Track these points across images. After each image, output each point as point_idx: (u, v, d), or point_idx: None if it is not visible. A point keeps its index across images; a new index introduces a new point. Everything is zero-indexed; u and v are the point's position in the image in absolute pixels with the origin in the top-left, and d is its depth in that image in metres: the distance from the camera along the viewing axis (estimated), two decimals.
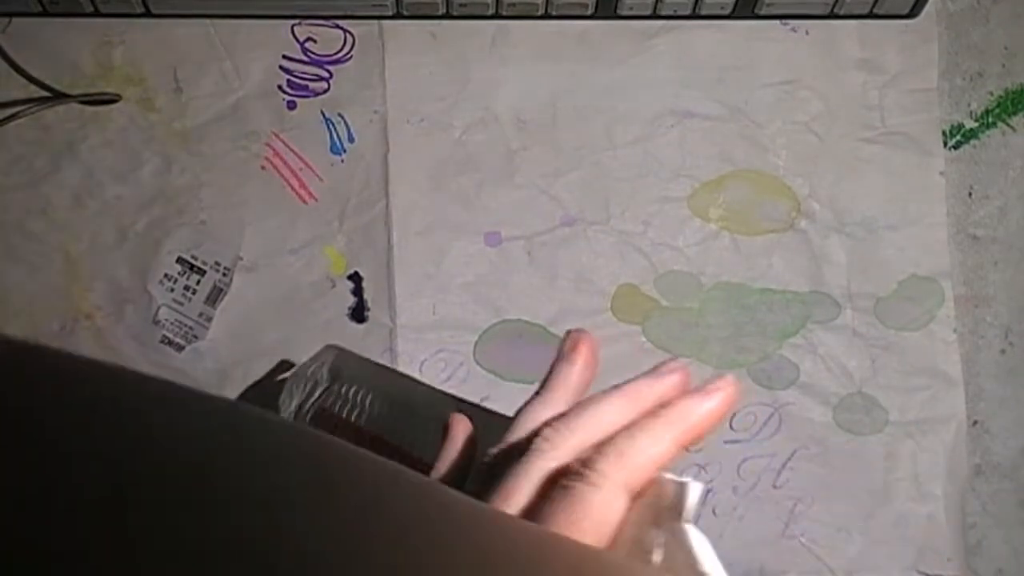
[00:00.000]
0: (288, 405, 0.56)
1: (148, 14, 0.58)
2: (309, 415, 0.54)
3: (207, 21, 0.58)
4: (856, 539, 0.58)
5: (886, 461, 0.59)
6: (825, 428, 0.59)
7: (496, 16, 0.59)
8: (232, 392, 0.59)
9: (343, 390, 0.55)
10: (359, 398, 0.54)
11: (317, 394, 0.55)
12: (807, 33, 0.60)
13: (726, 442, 0.58)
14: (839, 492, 0.58)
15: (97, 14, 0.57)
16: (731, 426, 0.59)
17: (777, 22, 0.60)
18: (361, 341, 0.59)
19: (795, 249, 0.60)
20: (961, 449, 0.59)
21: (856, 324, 0.59)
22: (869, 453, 0.59)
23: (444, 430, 0.38)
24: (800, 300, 0.60)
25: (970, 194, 0.61)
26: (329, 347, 0.55)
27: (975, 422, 0.60)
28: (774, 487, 0.58)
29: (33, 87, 0.57)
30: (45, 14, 0.57)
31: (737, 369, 0.59)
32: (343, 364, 0.54)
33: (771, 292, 0.60)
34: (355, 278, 0.59)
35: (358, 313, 0.59)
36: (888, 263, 0.60)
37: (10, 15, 0.57)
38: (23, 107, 0.57)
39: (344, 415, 0.54)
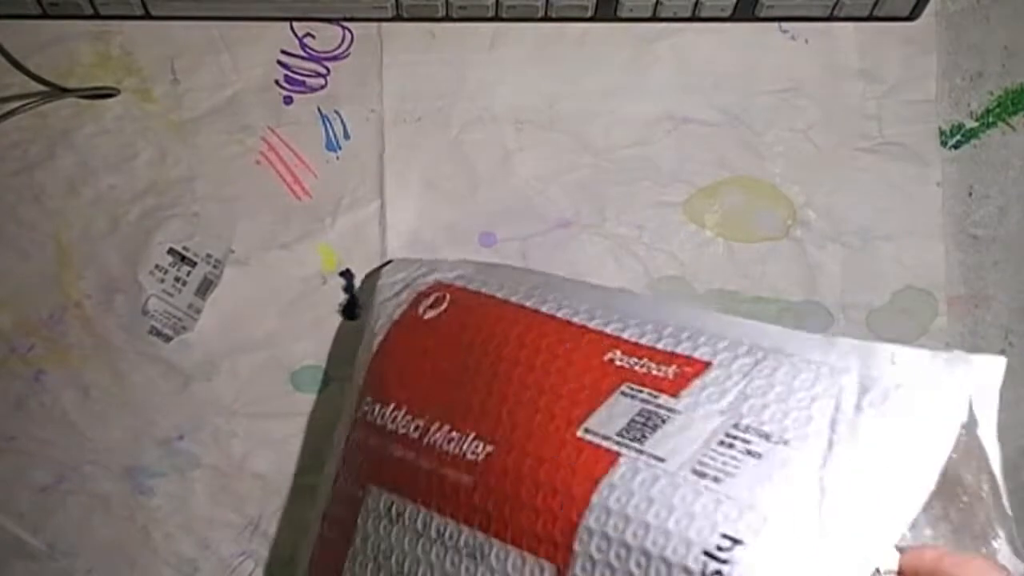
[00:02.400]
0: (392, 276, 0.57)
1: (148, 16, 0.58)
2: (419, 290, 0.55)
3: None
4: None
5: None
6: None
7: (496, 19, 0.59)
8: (219, 384, 0.59)
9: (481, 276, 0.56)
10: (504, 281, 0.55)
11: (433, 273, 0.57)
12: (807, 42, 0.60)
13: None
14: None
15: (97, 16, 0.58)
16: None
17: (777, 30, 0.60)
18: (352, 338, 0.59)
19: (789, 258, 0.60)
20: None
21: (848, 334, 0.59)
22: None
23: None
24: (793, 309, 0.60)
25: (970, 194, 0.60)
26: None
27: None
28: None
29: (32, 82, 0.57)
30: (44, 16, 0.57)
31: None
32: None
33: (764, 300, 0.60)
34: (347, 275, 0.59)
35: (349, 310, 0.59)
36: (883, 274, 0.60)
37: (9, 17, 0.57)
38: (22, 102, 0.57)
39: (484, 291, 0.54)
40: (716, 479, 0.42)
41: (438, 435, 0.48)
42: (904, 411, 0.43)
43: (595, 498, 0.43)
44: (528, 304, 0.53)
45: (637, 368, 0.48)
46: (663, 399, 0.46)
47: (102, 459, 0.59)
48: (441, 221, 0.60)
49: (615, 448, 0.44)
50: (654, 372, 0.47)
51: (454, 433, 0.48)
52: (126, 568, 0.60)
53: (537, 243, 0.60)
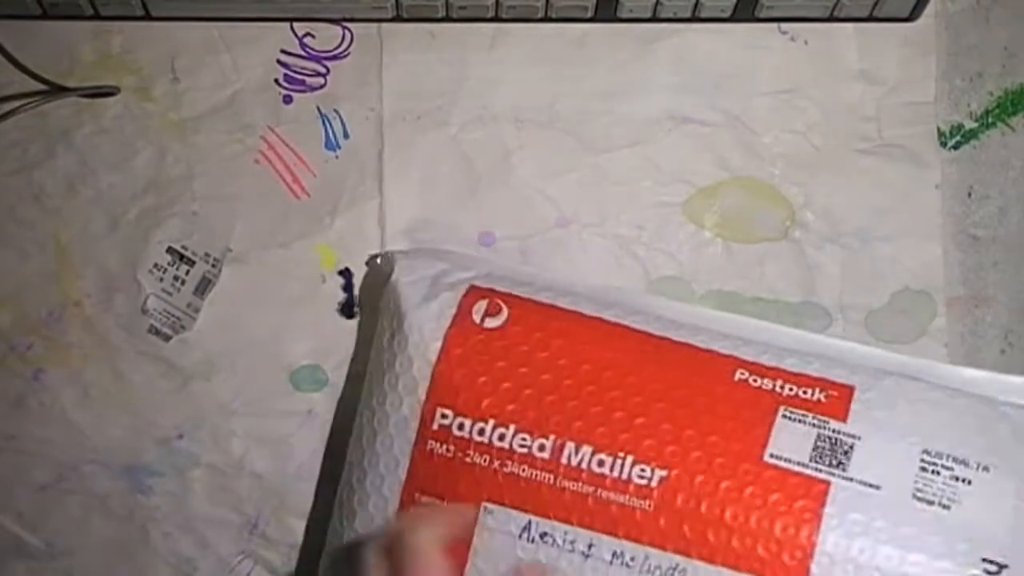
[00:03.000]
0: (410, 274, 0.56)
1: (148, 17, 0.58)
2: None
3: None
4: None
5: None
6: None
7: (496, 19, 0.59)
8: (218, 383, 0.59)
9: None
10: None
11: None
12: (806, 43, 0.60)
13: None
14: None
15: (97, 17, 0.58)
16: None
17: (776, 31, 0.60)
18: (351, 337, 0.59)
19: (788, 258, 0.60)
20: None
21: (847, 335, 0.59)
22: None
23: None
24: (791, 310, 0.59)
25: (970, 194, 0.60)
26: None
27: None
28: None
29: (32, 81, 0.57)
30: (45, 16, 0.57)
31: None
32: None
33: (762, 301, 0.60)
34: (345, 274, 0.59)
35: (348, 309, 0.59)
36: (882, 275, 0.60)
37: (9, 17, 0.57)
38: (23, 102, 0.57)
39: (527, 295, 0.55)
40: (944, 506, 0.46)
41: (579, 457, 0.49)
42: None
43: (825, 524, 0.46)
44: (608, 317, 0.53)
45: (779, 390, 0.50)
46: (834, 424, 0.49)
47: (101, 458, 0.59)
48: (440, 220, 0.60)
49: (818, 475, 0.47)
50: (802, 395, 0.50)
51: (603, 456, 0.49)
52: (125, 567, 0.60)
53: (536, 243, 0.60)
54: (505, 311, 0.53)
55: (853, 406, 0.49)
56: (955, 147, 0.61)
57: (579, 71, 0.60)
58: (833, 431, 0.48)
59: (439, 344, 0.52)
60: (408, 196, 0.59)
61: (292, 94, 0.59)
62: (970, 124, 0.61)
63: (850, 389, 0.50)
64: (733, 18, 0.59)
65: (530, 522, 0.49)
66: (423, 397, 0.52)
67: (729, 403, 0.50)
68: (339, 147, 0.59)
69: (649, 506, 0.48)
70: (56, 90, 0.57)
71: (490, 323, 0.53)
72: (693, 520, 0.47)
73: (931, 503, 0.46)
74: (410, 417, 0.52)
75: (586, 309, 0.54)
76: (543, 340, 0.52)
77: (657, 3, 0.58)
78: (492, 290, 0.54)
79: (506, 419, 0.50)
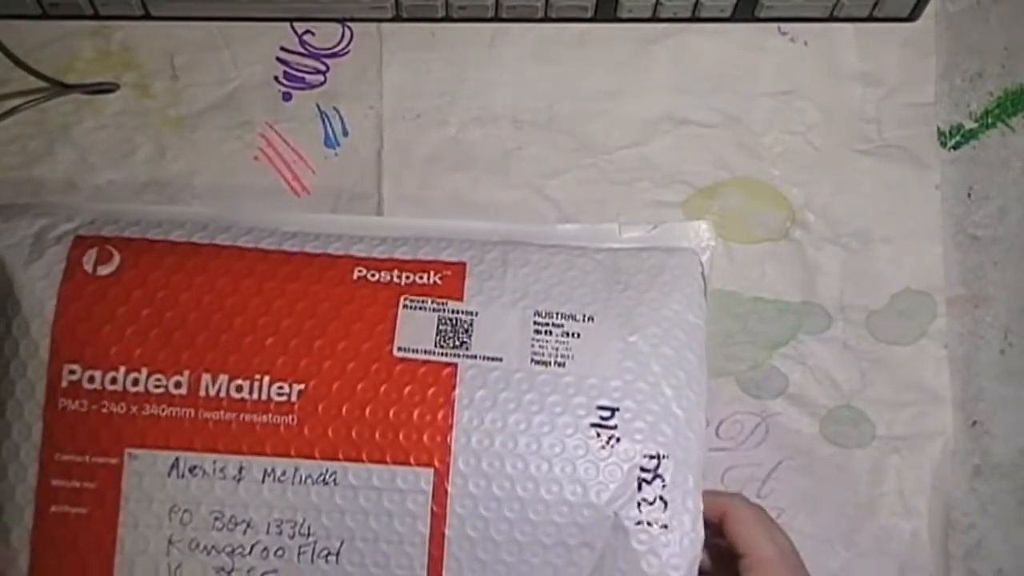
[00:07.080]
0: (9, 238, 0.53)
1: (148, 17, 0.58)
2: None
3: None
4: (839, 552, 0.58)
5: (872, 475, 0.58)
6: (812, 440, 0.58)
7: (496, 19, 0.59)
8: None
9: None
10: None
11: None
12: (806, 44, 0.60)
13: (712, 450, 0.58)
14: (824, 504, 0.58)
15: (97, 17, 0.58)
16: (717, 434, 0.58)
17: (776, 32, 0.60)
18: None
19: (788, 259, 0.60)
20: (946, 467, 0.58)
21: (847, 336, 0.59)
22: (855, 467, 0.58)
23: None
24: (792, 310, 0.59)
25: (970, 194, 0.60)
26: None
27: (975, 422, 0.59)
28: (758, 497, 0.58)
29: (32, 79, 0.57)
30: (44, 16, 0.58)
31: (726, 377, 0.59)
32: None
33: (763, 301, 0.59)
34: None
35: None
36: (882, 276, 0.59)
37: (9, 17, 0.58)
38: (24, 100, 0.57)
39: None
40: (559, 364, 0.50)
41: (217, 387, 0.49)
42: (659, 268, 0.53)
43: (457, 404, 0.49)
44: (222, 242, 0.53)
45: (397, 280, 0.51)
46: (453, 304, 0.51)
47: None
48: (440, 218, 0.60)
49: (444, 358, 0.49)
50: (419, 281, 0.51)
51: (240, 381, 0.49)
52: None
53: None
54: (117, 256, 0.52)
55: (467, 283, 0.52)
56: (955, 147, 0.61)
57: (579, 71, 0.60)
58: (452, 311, 0.50)
59: (54, 302, 0.51)
60: (407, 194, 0.59)
61: (292, 91, 0.59)
62: (970, 124, 0.61)
63: (462, 266, 0.52)
64: (733, 18, 0.59)
65: (177, 459, 0.49)
66: (46, 358, 0.51)
67: (352, 304, 0.51)
68: (339, 145, 0.59)
69: (292, 420, 0.49)
70: (56, 87, 0.57)
71: (103, 270, 0.52)
72: (336, 425, 0.49)
73: (548, 364, 0.50)
74: (36, 380, 0.51)
75: (199, 238, 0.53)
76: (160, 278, 0.51)
77: (657, 3, 0.58)
78: (101, 237, 0.53)
79: (137, 363, 0.50)
